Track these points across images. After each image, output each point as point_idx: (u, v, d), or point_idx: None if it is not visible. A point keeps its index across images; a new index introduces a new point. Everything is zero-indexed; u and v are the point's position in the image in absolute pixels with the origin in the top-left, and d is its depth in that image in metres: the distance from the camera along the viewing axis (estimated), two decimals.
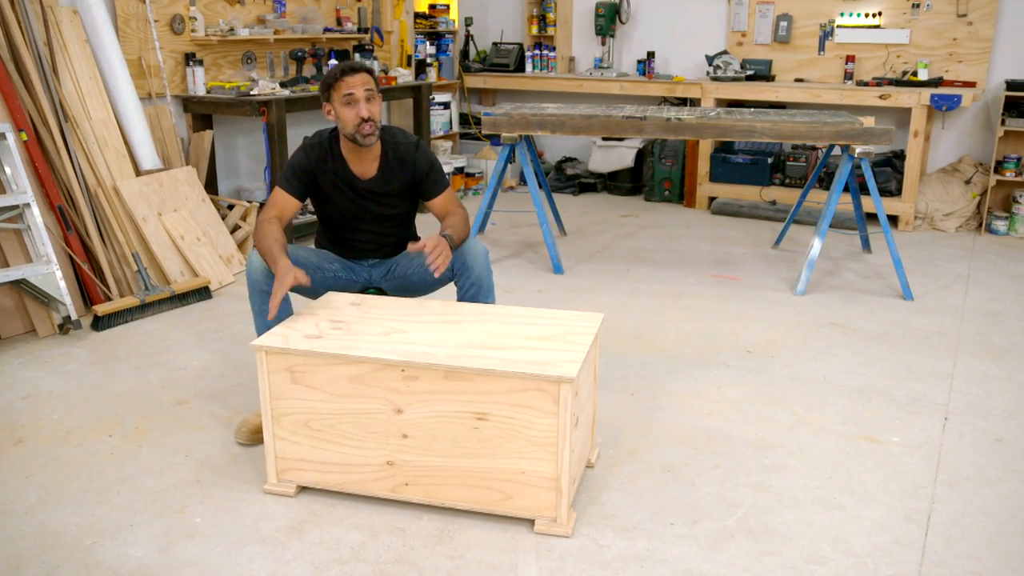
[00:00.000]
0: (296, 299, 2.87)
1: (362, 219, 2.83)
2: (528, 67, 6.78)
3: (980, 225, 5.47)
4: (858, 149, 4.04)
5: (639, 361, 3.35)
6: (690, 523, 2.28)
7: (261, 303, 2.65)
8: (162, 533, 2.22)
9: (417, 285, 2.89)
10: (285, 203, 2.76)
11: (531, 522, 2.25)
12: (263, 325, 2.67)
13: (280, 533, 2.22)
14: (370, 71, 2.70)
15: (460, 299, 2.76)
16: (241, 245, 4.62)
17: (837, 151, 4.89)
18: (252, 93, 4.63)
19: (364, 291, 2.93)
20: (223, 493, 2.41)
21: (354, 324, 2.41)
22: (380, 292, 2.95)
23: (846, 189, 5.53)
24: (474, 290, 2.73)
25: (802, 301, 4.09)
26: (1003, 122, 5.18)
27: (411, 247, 2.56)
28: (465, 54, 6.96)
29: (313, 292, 2.86)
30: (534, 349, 2.24)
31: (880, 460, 2.62)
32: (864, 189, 4.97)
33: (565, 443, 2.14)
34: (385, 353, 2.21)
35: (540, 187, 4.94)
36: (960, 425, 2.84)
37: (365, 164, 2.77)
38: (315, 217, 3.29)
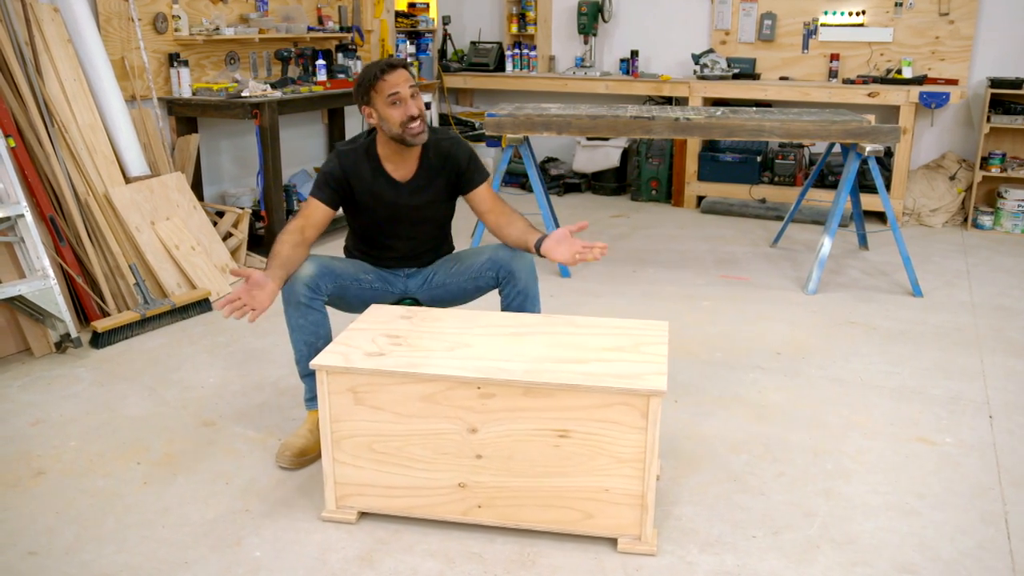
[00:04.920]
0: (335, 314, 2.72)
1: (400, 225, 2.70)
2: (508, 66, 6.68)
3: (966, 220, 5.57)
4: (868, 147, 4.05)
5: (674, 367, 3.26)
6: (771, 534, 2.22)
7: (298, 316, 2.50)
8: (222, 570, 2.07)
9: (456, 295, 2.77)
10: (314, 212, 2.61)
11: (613, 541, 2.16)
12: (300, 340, 2.52)
13: (351, 564, 2.09)
14: (407, 66, 2.57)
15: (505, 308, 2.65)
16: (234, 253, 4.42)
17: (835, 149, 4.91)
18: (243, 95, 4.43)
19: (399, 303, 2.80)
20: (277, 523, 2.26)
21: (413, 339, 2.29)
22: (415, 303, 2.82)
23: (827, 185, 5.60)
24: (520, 299, 2.62)
25: (815, 300, 4.09)
26: (988, 119, 5.28)
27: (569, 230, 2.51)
28: (443, 53, 6.83)
29: (348, 304, 2.72)
30: (613, 361, 2.15)
31: (939, 462, 2.60)
32: (864, 187, 5.01)
33: (653, 458, 2.06)
34: (458, 370, 2.10)
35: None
36: (1006, 423, 2.85)
37: (406, 165, 2.64)
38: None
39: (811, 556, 2.14)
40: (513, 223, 2.66)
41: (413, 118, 2.50)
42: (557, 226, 4.82)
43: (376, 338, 2.29)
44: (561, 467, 2.11)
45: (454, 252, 2.88)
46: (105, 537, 2.20)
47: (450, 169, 2.67)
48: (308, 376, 2.55)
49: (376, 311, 2.52)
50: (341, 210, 2.71)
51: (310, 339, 2.48)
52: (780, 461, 2.60)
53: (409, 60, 6.17)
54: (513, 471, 2.14)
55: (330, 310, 2.63)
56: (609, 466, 2.09)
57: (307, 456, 2.53)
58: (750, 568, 2.09)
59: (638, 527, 2.13)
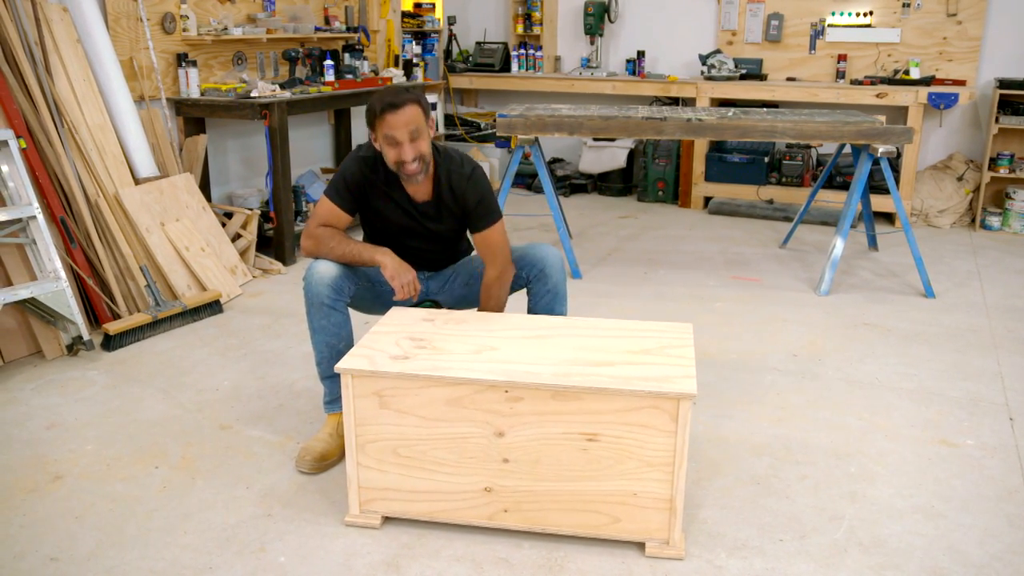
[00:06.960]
0: (355, 315, 2.70)
1: (414, 236, 2.65)
2: (514, 67, 6.66)
3: (973, 221, 5.56)
4: (880, 148, 4.04)
5: None
6: (799, 538, 2.21)
7: (321, 318, 2.47)
8: None
9: (480, 295, 2.74)
10: (332, 217, 2.54)
11: (640, 545, 2.14)
12: (322, 342, 2.49)
13: (376, 570, 2.07)
14: (417, 101, 2.40)
15: (534, 308, 2.63)
16: (243, 254, 4.39)
17: (843, 150, 4.90)
18: (252, 95, 4.40)
19: (418, 304, 2.78)
20: (300, 528, 2.24)
21: (438, 342, 2.27)
22: (435, 305, 2.80)
23: (835, 186, 5.59)
24: (550, 298, 2.60)
25: (828, 301, 4.08)
26: (996, 120, 5.27)
27: None
28: (448, 53, 6.80)
29: (369, 306, 2.71)
30: (641, 364, 2.13)
31: (962, 464, 2.59)
32: (873, 188, 5.00)
33: (682, 462, 2.04)
34: (485, 373, 2.08)
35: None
36: None
37: (420, 186, 2.54)
38: None
39: (839, 560, 2.12)
40: (486, 273, 2.57)
41: (405, 162, 2.40)
42: (567, 228, 4.81)
43: (400, 341, 2.27)
44: (589, 471, 2.09)
45: (475, 253, 2.85)
46: (127, 542, 2.18)
47: (459, 207, 2.57)
48: (329, 378, 2.53)
49: (397, 313, 2.50)
50: None
51: (332, 341, 2.46)
52: (803, 464, 2.58)
53: (415, 60, 6.14)
54: (540, 475, 2.12)
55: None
56: (638, 470, 2.07)
57: (328, 460, 2.51)
58: (779, 572, 2.07)
59: (666, 531, 2.11)
